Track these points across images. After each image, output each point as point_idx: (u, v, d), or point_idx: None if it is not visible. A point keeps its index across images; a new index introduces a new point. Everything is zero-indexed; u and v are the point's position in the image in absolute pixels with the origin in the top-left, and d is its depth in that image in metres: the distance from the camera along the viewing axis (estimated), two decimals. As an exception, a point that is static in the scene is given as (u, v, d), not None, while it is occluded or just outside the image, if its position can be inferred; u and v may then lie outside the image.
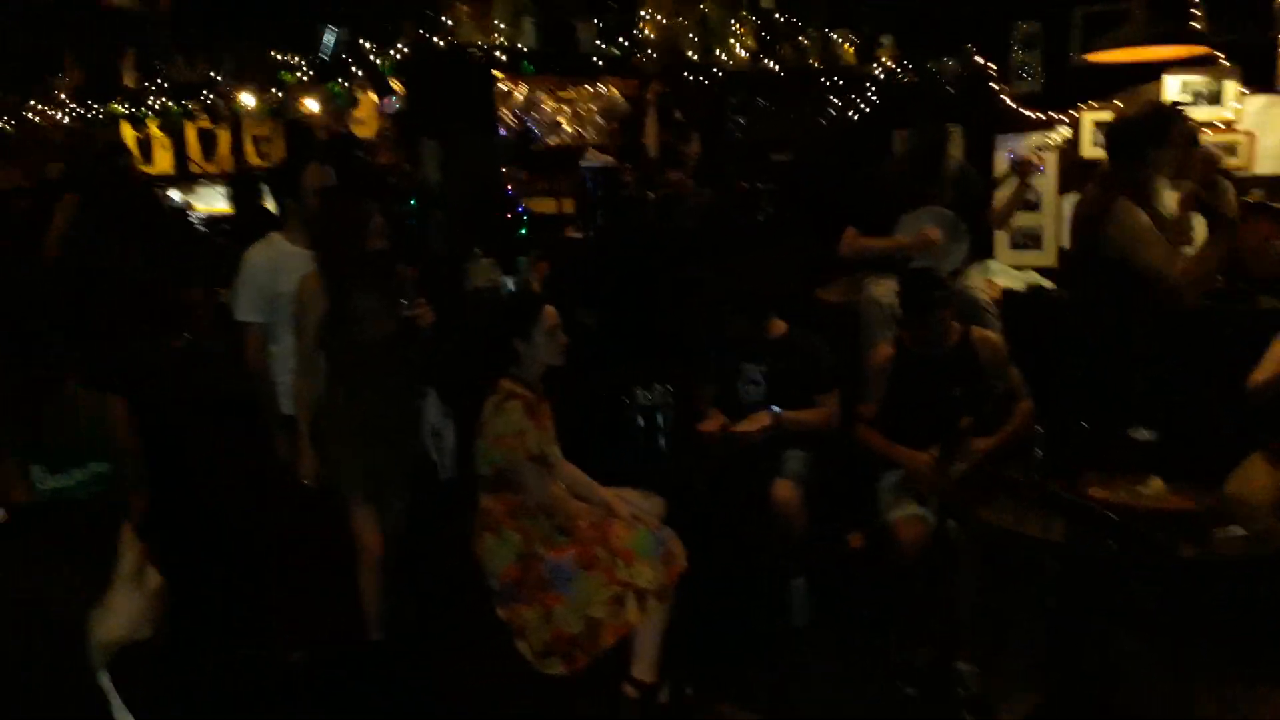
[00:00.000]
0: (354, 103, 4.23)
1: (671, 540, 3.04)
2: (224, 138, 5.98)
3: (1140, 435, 2.92)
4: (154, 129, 5.96)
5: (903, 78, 5.01)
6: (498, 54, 3.52)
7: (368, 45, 3.60)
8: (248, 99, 4.79)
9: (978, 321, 3.85)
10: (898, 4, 5.07)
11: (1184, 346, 3.43)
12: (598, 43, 3.83)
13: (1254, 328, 3.36)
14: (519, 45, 3.59)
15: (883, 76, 4.95)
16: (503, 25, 3.53)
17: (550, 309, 3.17)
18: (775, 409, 3.70)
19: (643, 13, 3.98)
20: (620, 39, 3.88)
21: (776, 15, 4.56)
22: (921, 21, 5.08)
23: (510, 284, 3.94)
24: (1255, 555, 2.46)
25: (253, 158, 5.85)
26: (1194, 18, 4.32)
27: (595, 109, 4.35)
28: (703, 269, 4.54)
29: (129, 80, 5.38)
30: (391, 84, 3.85)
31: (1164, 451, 2.87)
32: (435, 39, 3.37)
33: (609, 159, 4.55)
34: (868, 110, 5.02)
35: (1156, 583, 2.31)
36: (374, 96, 4.09)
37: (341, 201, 3.19)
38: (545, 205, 4.54)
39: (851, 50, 4.90)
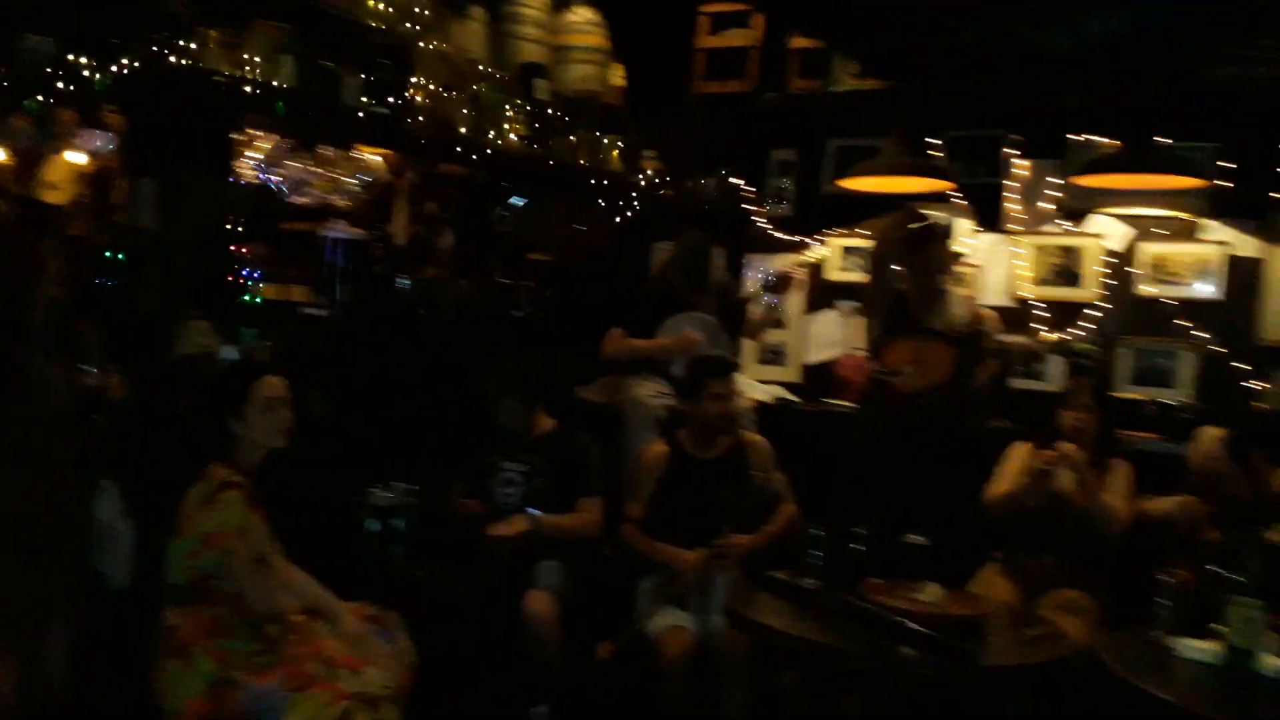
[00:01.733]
0: (51, 133, 3.55)
1: (401, 635, 2.67)
2: None
3: (913, 539, 2.91)
4: None
5: (663, 191, 5.08)
6: (246, 88, 3.09)
7: (82, 60, 3.02)
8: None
9: (742, 428, 3.82)
10: (665, 121, 5.18)
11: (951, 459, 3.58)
12: (364, 99, 3.50)
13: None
14: (273, 83, 3.17)
15: (646, 187, 4.98)
16: (257, 59, 3.11)
17: (272, 380, 2.71)
18: (534, 512, 3.41)
19: (415, 79, 3.71)
20: (389, 99, 3.57)
21: (550, 110, 4.46)
22: (687, 140, 5.21)
23: (230, 354, 3.37)
24: (1039, 662, 2.43)
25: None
26: (937, 158, 4.75)
27: (350, 173, 3.96)
28: (458, 360, 4.23)
29: None
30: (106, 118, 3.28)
31: (937, 557, 2.87)
32: (172, 58, 2.89)
33: (360, 231, 4.14)
34: (630, 218, 5.02)
35: (958, 691, 2.20)
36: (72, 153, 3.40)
37: (12, 238, 2.58)
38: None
39: (618, 156, 4.90)
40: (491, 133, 4.12)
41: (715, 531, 3.23)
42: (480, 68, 4.20)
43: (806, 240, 5.14)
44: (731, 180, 5.29)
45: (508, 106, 4.24)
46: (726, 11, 5.17)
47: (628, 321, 4.26)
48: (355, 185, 3.96)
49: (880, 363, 3.93)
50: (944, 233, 4.01)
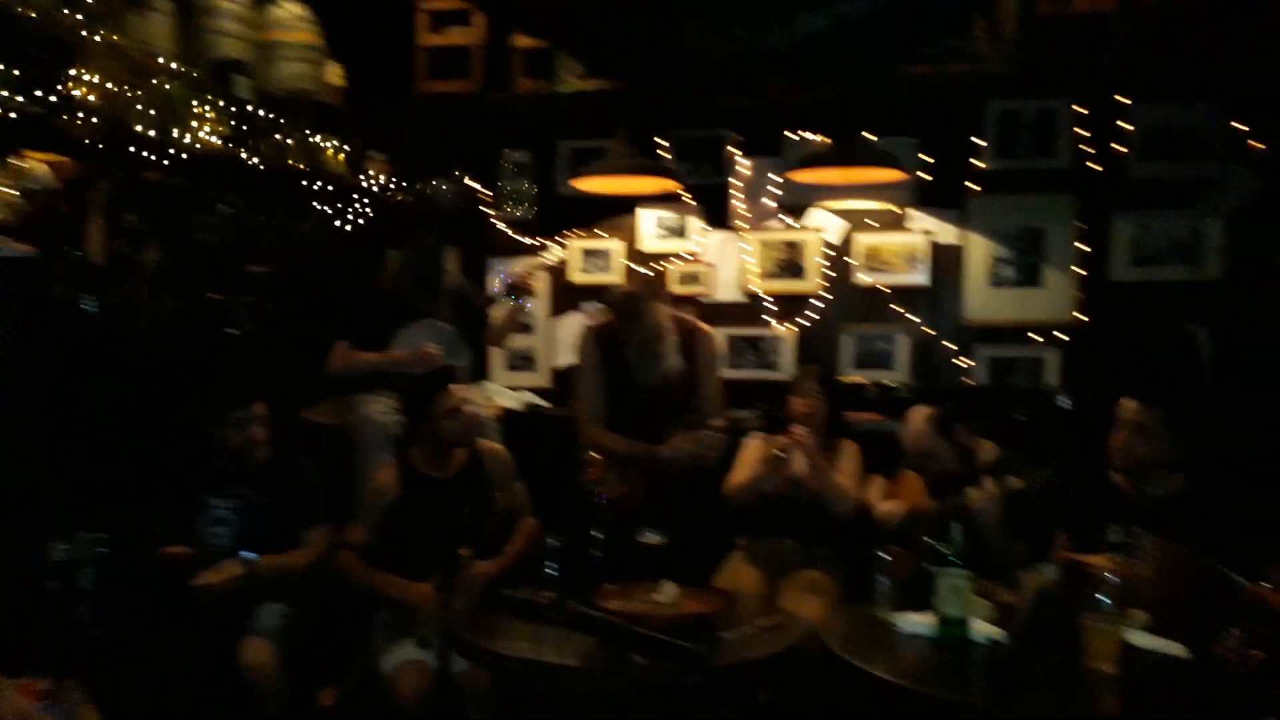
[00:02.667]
0: None
1: (84, 709, 2.46)
2: None
3: (649, 539, 2.87)
4: None
5: (395, 195, 4.81)
6: None
7: None
8: None
9: (483, 437, 3.65)
10: (391, 121, 4.91)
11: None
12: (16, 97, 3.01)
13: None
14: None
15: (375, 191, 4.70)
16: None
17: None
18: (249, 555, 3.10)
19: (76, 71, 3.24)
20: (45, 95, 3.10)
21: (252, 109, 4.07)
22: (415, 141, 4.97)
23: None
24: (774, 653, 2.43)
25: None
26: (663, 158, 4.79)
27: (9, 182, 3.43)
28: (158, 387, 3.78)
29: None
30: None
31: (672, 554, 2.83)
32: None
33: (29, 249, 3.60)
34: (359, 224, 4.72)
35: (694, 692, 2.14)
36: None
37: None
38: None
39: (341, 159, 4.58)
40: (184, 134, 3.70)
41: (455, 556, 3.05)
42: (171, 64, 3.76)
43: (547, 242, 5.06)
44: (467, 182, 5.11)
45: (204, 106, 3.83)
46: (446, 9, 4.98)
47: (357, 334, 3.99)
48: (15, 196, 3.44)
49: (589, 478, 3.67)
50: (648, 297, 3.66)
